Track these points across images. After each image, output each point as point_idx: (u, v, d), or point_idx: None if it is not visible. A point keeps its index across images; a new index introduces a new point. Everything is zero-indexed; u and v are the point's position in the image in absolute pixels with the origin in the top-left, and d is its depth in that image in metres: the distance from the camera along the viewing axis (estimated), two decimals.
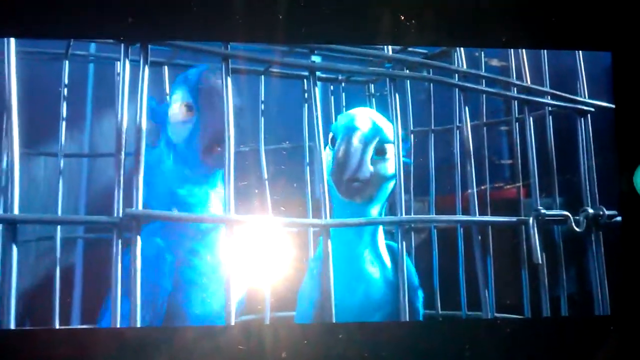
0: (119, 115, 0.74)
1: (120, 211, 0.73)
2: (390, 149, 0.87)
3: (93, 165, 0.92)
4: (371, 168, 0.86)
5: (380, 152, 0.87)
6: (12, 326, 0.71)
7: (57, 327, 0.81)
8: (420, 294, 0.87)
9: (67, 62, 0.85)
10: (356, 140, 0.85)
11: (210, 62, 0.88)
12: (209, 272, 0.83)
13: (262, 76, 0.90)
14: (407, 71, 0.87)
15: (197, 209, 0.85)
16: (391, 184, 0.87)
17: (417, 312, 0.87)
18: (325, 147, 0.86)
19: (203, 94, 0.84)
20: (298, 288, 0.86)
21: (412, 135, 0.94)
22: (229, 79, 0.78)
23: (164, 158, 0.85)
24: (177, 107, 0.85)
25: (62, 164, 0.85)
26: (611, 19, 0.85)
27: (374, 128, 0.86)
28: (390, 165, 0.87)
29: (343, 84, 0.96)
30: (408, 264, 0.85)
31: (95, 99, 0.91)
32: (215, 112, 0.83)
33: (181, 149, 0.85)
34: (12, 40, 0.73)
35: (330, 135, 0.88)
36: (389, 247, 0.89)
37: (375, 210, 0.87)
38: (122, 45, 0.75)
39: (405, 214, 0.84)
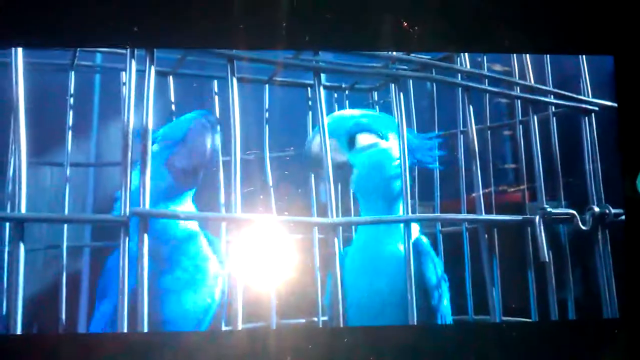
0: (126, 117, 0.75)
1: (127, 210, 0.73)
2: (362, 138, 0.89)
3: (99, 174, 0.92)
4: (344, 157, 0.89)
5: (352, 142, 0.89)
6: (19, 331, 0.71)
7: (63, 332, 0.82)
8: (442, 293, 0.88)
9: (72, 72, 0.87)
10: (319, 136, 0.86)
11: (215, 71, 0.90)
12: (186, 277, 0.85)
13: (267, 85, 0.91)
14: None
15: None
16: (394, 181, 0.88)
17: (435, 310, 0.87)
18: None
19: (191, 134, 0.87)
20: (302, 292, 0.86)
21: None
22: (235, 80, 0.78)
23: None
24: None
25: (68, 173, 0.86)
26: (613, 23, 0.86)
27: (339, 122, 0.89)
28: (371, 153, 0.89)
29: (347, 92, 0.97)
30: (434, 261, 0.87)
31: (102, 109, 0.93)
32: (193, 152, 0.86)
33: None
34: (20, 50, 0.74)
35: None
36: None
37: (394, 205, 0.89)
38: (128, 50, 0.76)
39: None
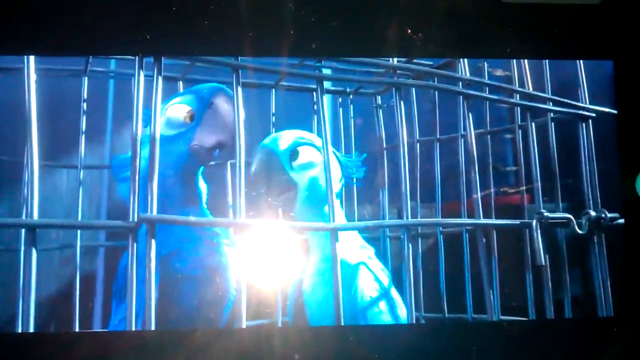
0: (135, 126, 0.77)
1: (136, 216, 0.75)
2: (303, 151, 0.90)
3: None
4: (294, 176, 0.90)
5: (294, 157, 0.90)
6: (32, 329, 0.74)
7: (77, 330, 0.84)
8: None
9: (86, 78, 0.89)
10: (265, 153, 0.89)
11: (224, 77, 0.92)
12: (190, 276, 0.86)
13: (273, 89, 0.93)
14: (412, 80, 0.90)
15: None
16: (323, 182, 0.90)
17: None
18: None
19: (211, 110, 0.88)
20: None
21: (418, 145, 0.97)
22: (239, 89, 0.80)
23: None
24: (182, 110, 0.88)
25: (81, 175, 0.88)
26: (612, 28, 0.87)
27: (281, 139, 0.91)
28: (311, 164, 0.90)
29: (351, 96, 0.99)
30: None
31: (115, 113, 0.95)
32: (215, 127, 0.87)
33: (169, 141, 0.87)
34: (32, 58, 0.77)
35: None
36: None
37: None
38: (137, 58, 0.79)
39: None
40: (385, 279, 0.89)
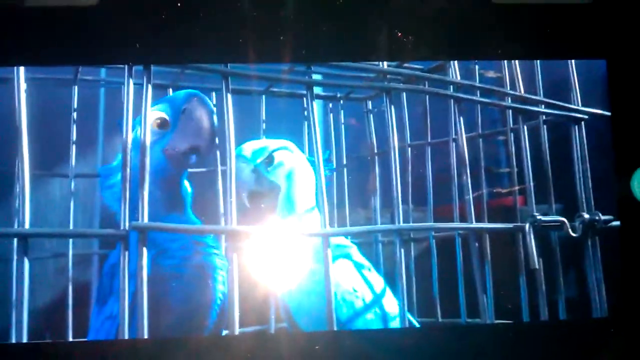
0: (124, 133, 0.78)
1: (127, 224, 0.75)
2: (278, 156, 0.90)
3: None
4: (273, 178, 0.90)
5: (270, 162, 0.90)
6: (25, 339, 0.74)
7: (71, 339, 0.84)
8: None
9: (76, 87, 0.89)
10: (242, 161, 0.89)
11: (214, 84, 0.92)
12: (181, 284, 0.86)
13: (263, 95, 0.93)
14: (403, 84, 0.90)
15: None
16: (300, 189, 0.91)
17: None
18: None
19: (184, 116, 0.88)
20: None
21: (409, 149, 0.96)
22: (229, 96, 0.80)
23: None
24: (152, 118, 0.87)
25: (73, 184, 0.88)
26: (605, 27, 0.87)
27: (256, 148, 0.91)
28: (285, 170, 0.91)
29: (342, 102, 0.99)
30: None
31: (107, 122, 0.95)
32: (188, 132, 0.87)
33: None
34: (22, 68, 0.77)
35: None
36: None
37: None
38: (126, 67, 0.79)
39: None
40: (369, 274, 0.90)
